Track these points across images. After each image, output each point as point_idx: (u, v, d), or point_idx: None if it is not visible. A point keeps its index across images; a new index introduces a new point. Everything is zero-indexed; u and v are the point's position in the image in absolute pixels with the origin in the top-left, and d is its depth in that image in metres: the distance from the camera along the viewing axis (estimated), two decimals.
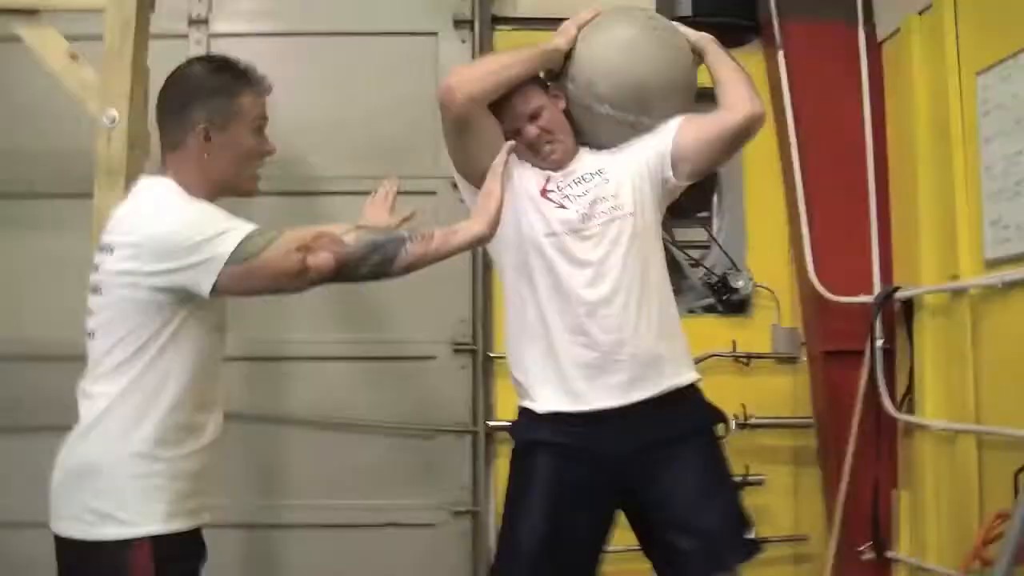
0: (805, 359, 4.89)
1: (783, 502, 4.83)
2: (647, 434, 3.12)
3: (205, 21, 4.76)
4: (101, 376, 2.56)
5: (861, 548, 4.62)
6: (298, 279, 2.51)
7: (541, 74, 3.30)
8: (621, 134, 3.28)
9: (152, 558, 2.47)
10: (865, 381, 4.58)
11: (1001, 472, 3.74)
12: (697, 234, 5.11)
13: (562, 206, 3.20)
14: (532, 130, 3.22)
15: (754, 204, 5.01)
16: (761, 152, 4.83)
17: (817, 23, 4.85)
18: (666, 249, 4.76)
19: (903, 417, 4.49)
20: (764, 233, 4.97)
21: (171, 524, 2.52)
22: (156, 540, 2.49)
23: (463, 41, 4.87)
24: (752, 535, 3.16)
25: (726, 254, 4.97)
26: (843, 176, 4.78)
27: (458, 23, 4.88)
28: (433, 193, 4.69)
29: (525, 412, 3.26)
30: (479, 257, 4.72)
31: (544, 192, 3.23)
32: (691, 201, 4.92)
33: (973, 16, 4.14)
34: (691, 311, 4.97)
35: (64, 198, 4.31)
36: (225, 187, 2.74)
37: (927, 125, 4.40)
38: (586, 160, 3.28)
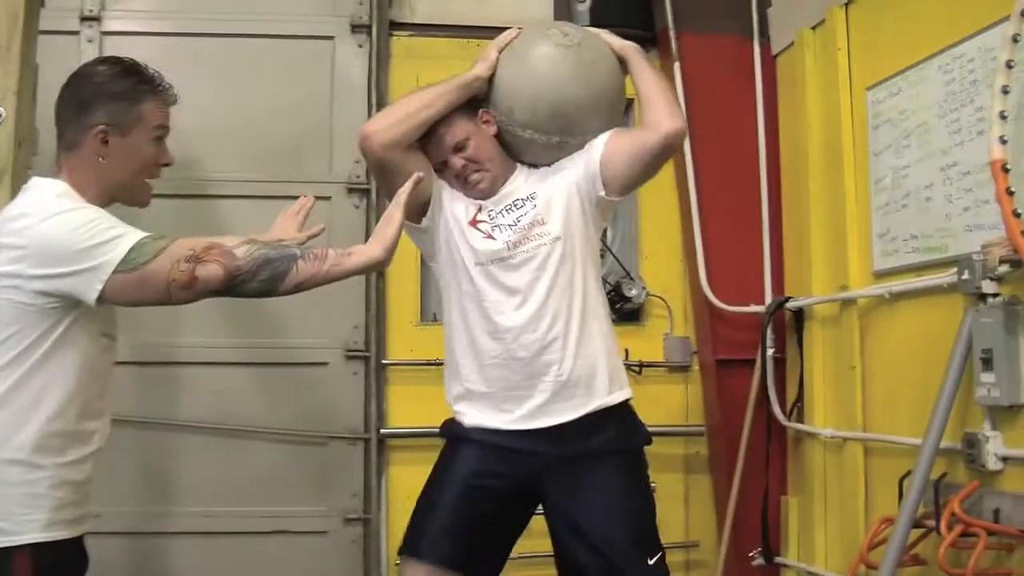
0: (697, 368, 4.94)
1: (674, 509, 4.86)
2: (573, 446, 3.14)
3: (97, 19, 4.66)
4: None
5: (751, 554, 4.68)
6: (186, 290, 2.46)
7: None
8: (550, 154, 3.27)
9: (32, 567, 2.40)
10: (756, 389, 4.64)
11: (887, 478, 3.80)
12: None
13: (490, 236, 3.19)
14: (457, 161, 3.19)
15: (648, 214, 5.04)
16: None
17: (713, 35, 4.93)
18: None
19: (793, 425, 4.56)
20: (658, 243, 5.01)
21: (52, 532, 2.45)
22: (36, 548, 2.41)
23: (360, 46, 4.85)
24: (656, 560, 3.15)
25: (620, 263, 4.99)
26: (736, 187, 4.85)
27: (355, 28, 4.85)
28: (328, 198, 4.67)
29: (454, 419, 3.28)
30: None
31: (474, 222, 3.22)
32: None
33: (864, 32, 4.22)
34: None
35: None
36: (118, 194, 2.68)
37: (819, 138, 4.47)
38: (520, 182, 3.26)
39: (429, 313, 4.87)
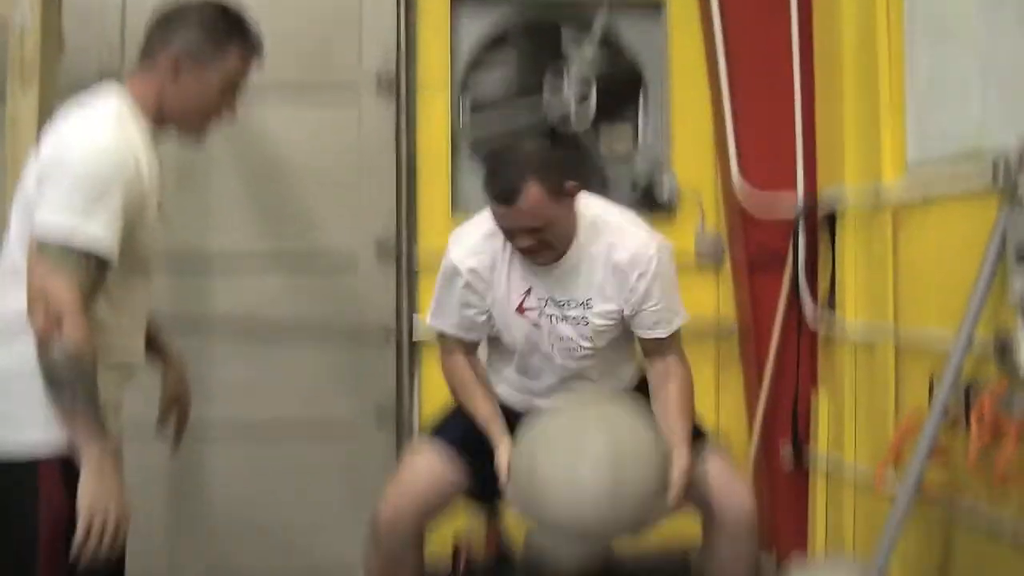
0: (728, 264, 4.93)
1: (705, 405, 4.83)
2: None
3: None
4: (14, 283, 2.45)
5: (781, 450, 4.71)
6: (30, 316, 2.36)
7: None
8: None
9: (61, 478, 2.40)
10: (787, 287, 4.64)
11: (917, 376, 3.81)
12: (623, 135, 5.08)
13: (536, 325, 3.18)
14: (526, 241, 3.03)
15: (680, 107, 4.99)
16: (687, 55, 4.85)
17: None
18: (591, 158, 4.75)
19: (824, 322, 4.55)
20: (690, 136, 4.96)
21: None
22: (64, 461, 2.41)
23: None
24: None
25: (652, 156, 4.95)
26: (769, 80, 4.76)
27: None
28: (357, 94, 4.63)
29: None
30: (403, 159, 4.68)
31: (520, 309, 3.19)
32: (617, 103, 4.91)
33: None
34: None
35: None
36: (173, 121, 2.67)
37: (853, 29, 4.38)
38: (578, 268, 3.16)
39: (461, 207, 4.84)
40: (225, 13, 2.67)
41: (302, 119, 4.64)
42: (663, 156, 5.00)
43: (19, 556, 2.41)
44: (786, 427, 4.72)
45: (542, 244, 3.02)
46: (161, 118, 2.63)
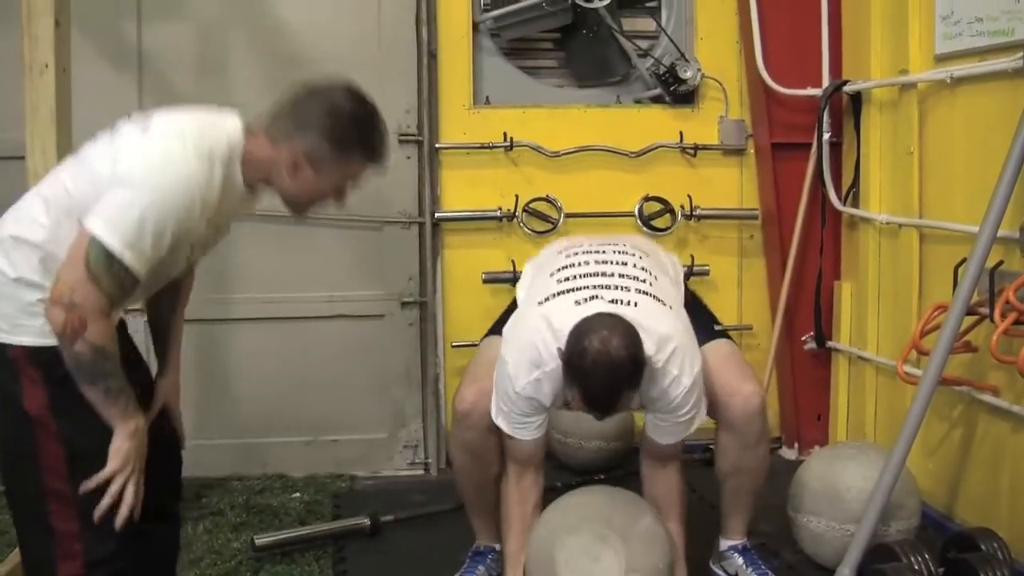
0: (752, 151, 4.89)
1: (728, 292, 4.90)
2: None
3: None
4: (20, 220, 2.48)
5: (803, 338, 4.73)
6: (50, 307, 2.34)
7: None
8: None
9: (35, 364, 2.42)
10: (811, 174, 4.62)
11: (941, 265, 3.79)
12: (646, 23, 5.02)
13: None
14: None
15: None
16: None
17: None
18: (614, 38, 4.70)
19: (848, 210, 4.54)
20: (714, 23, 4.90)
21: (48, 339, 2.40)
22: (35, 350, 2.42)
23: None
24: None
25: (675, 44, 4.89)
26: None
27: None
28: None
29: None
30: (424, 45, 4.64)
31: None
32: None
33: None
34: (638, 102, 4.94)
35: None
36: (279, 197, 2.64)
37: None
38: None
39: (482, 96, 4.82)
40: (356, 120, 2.58)
41: (321, 4, 4.58)
42: (687, 44, 4.92)
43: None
44: (808, 319, 4.73)
45: None
46: (260, 182, 2.61)
